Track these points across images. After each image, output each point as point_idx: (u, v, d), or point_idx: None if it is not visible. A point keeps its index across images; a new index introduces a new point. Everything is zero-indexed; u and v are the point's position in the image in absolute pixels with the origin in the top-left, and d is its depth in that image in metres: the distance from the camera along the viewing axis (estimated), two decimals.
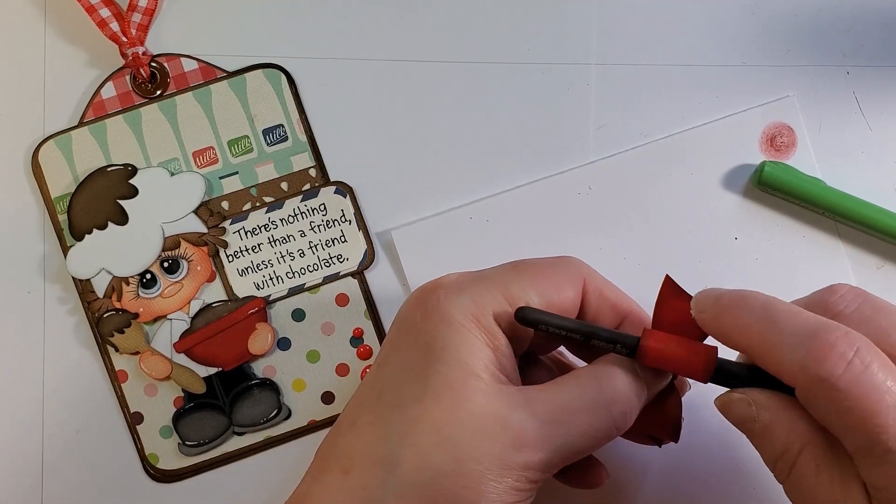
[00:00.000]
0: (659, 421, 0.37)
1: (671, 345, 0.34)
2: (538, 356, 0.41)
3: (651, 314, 0.36)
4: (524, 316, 0.35)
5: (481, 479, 0.33)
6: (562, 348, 0.41)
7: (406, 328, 0.36)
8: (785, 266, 0.45)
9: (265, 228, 0.46)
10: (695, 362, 0.34)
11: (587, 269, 0.38)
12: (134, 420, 0.46)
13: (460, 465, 0.33)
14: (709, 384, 0.35)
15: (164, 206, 0.46)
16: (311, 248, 0.46)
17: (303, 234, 0.46)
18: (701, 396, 0.41)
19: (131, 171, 0.46)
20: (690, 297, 0.36)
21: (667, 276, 0.36)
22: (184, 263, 0.46)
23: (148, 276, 0.46)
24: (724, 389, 0.35)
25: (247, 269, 0.46)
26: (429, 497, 0.33)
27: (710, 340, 0.35)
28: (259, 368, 0.46)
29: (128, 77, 0.47)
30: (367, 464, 0.34)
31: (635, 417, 0.35)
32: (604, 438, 0.34)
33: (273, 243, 0.46)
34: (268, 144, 0.47)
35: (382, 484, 0.33)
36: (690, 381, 0.39)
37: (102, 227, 0.46)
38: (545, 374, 0.40)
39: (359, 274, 0.46)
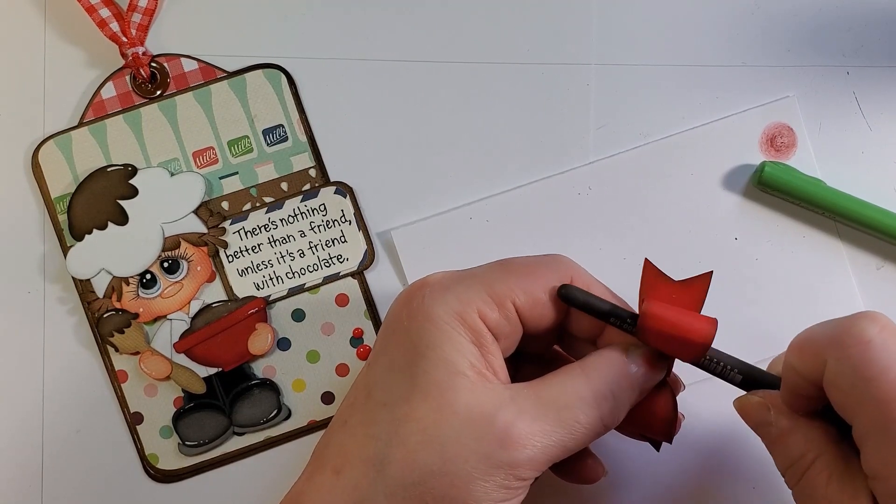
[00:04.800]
0: (652, 421, 0.37)
1: (672, 313, 0.35)
2: (533, 353, 0.40)
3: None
4: (566, 294, 0.35)
5: (469, 478, 0.33)
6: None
7: (393, 328, 0.36)
8: (785, 266, 0.45)
9: (265, 229, 0.46)
10: (694, 333, 0.34)
11: (575, 267, 0.37)
12: (134, 420, 0.46)
13: (447, 463, 0.33)
14: (706, 388, 0.35)
15: (164, 206, 0.46)
16: (311, 248, 0.46)
17: (303, 234, 0.46)
18: (701, 393, 0.41)
19: (131, 171, 0.46)
20: (672, 279, 0.36)
21: (646, 261, 0.36)
22: (184, 263, 0.46)
23: (148, 276, 0.46)
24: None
25: (247, 269, 0.46)
26: (417, 496, 0.33)
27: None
28: (259, 368, 0.46)
29: (128, 77, 0.47)
30: (357, 463, 0.34)
31: (625, 414, 0.36)
32: (592, 435, 0.34)
33: (273, 243, 0.46)
34: (268, 145, 0.47)
35: (372, 483, 0.34)
36: (684, 381, 0.39)
37: (102, 227, 0.45)
38: (540, 370, 0.40)
39: (359, 274, 0.46)
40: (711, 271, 0.36)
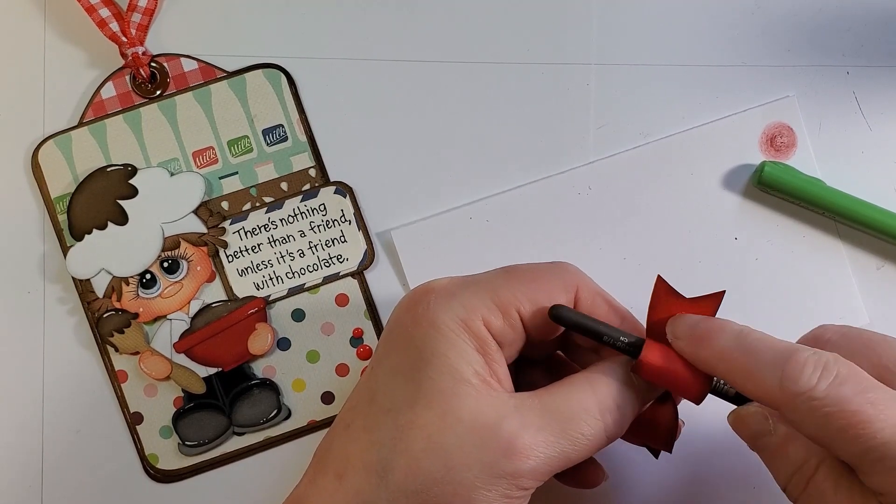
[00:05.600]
0: (654, 430, 0.37)
1: (668, 364, 0.34)
2: (535, 360, 0.40)
3: (646, 318, 0.36)
4: (558, 314, 0.35)
5: (471, 487, 0.33)
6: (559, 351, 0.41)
7: (397, 333, 0.36)
8: (785, 266, 0.45)
9: (265, 228, 0.46)
10: (690, 384, 0.34)
11: (581, 276, 0.37)
12: (134, 420, 0.46)
13: (450, 472, 0.33)
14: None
15: (163, 206, 0.46)
16: (310, 248, 0.46)
17: (303, 234, 0.46)
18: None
19: (131, 171, 0.46)
20: (683, 297, 0.36)
21: (659, 277, 0.36)
22: (183, 263, 0.46)
23: (148, 276, 0.46)
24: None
25: (247, 269, 0.46)
26: (420, 503, 0.33)
27: None
28: (259, 368, 0.46)
29: (128, 77, 0.47)
30: (360, 469, 0.34)
31: (628, 425, 0.35)
32: (596, 446, 0.34)
33: (273, 243, 0.46)
34: (268, 144, 0.47)
35: (375, 489, 0.34)
36: None
37: (102, 227, 0.46)
38: (542, 378, 0.40)
39: (359, 274, 0.46)
40: (724, 291, 0.35)
